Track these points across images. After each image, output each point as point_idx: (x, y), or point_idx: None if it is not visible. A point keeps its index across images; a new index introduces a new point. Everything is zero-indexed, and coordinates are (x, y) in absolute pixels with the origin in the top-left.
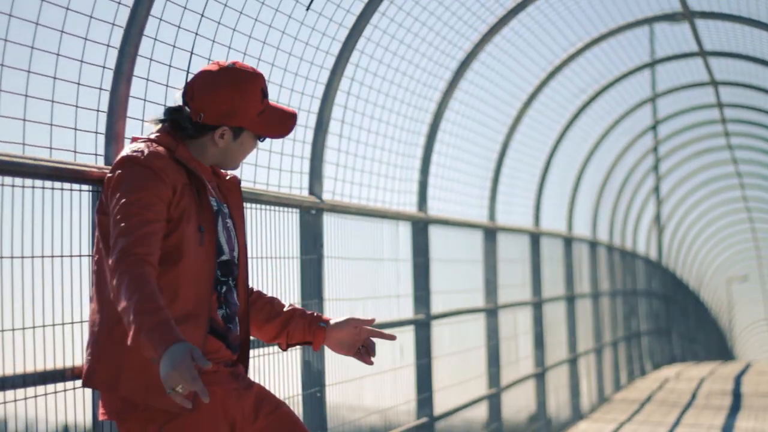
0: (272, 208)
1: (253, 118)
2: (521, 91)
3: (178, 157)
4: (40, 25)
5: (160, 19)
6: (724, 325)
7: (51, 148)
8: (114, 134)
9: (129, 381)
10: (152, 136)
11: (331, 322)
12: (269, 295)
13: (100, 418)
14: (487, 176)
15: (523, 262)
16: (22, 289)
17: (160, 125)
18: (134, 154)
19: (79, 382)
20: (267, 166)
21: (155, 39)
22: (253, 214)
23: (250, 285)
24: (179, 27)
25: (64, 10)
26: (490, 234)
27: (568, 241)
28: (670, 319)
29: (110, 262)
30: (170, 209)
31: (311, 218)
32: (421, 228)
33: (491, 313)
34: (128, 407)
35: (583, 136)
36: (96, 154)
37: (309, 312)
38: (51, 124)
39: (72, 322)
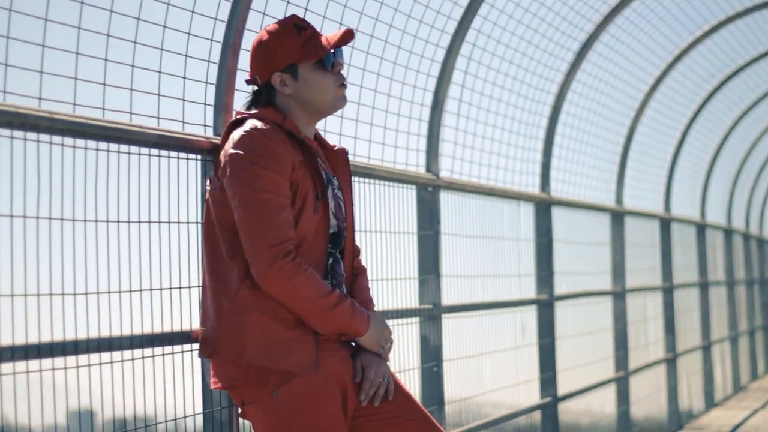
0: (387, 183)
1: (298, 50)
2: (647, 73)
3: (288, 129)
4: None
5: None
6: None
7: (159, 118)
8: (222, 105)
9: (253, 347)
10: (257, 111)
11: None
12: (365, 283)
13: (212, 386)
14: (612, 159)
15: (653, 247)
16: (129, 252)
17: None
18: (254, 132)
19: (187, 346)
20: (382, 143)
21: (264, 13)
22: (367, 188)
23: (364, 264)
24: (288, 2)
25: None
26: (618, 217)
27: (701, 228)
28: None
29: (254, 249)
30: (291, 185)
31: (428, 195)
32: (544, 209)
33: (618, 296)
34: (241, 374)
35: (715, 121)
36: (204, 125)
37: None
38: (158, 95)
39: (180, 287)
